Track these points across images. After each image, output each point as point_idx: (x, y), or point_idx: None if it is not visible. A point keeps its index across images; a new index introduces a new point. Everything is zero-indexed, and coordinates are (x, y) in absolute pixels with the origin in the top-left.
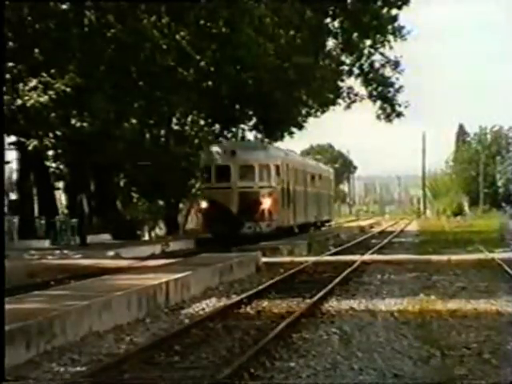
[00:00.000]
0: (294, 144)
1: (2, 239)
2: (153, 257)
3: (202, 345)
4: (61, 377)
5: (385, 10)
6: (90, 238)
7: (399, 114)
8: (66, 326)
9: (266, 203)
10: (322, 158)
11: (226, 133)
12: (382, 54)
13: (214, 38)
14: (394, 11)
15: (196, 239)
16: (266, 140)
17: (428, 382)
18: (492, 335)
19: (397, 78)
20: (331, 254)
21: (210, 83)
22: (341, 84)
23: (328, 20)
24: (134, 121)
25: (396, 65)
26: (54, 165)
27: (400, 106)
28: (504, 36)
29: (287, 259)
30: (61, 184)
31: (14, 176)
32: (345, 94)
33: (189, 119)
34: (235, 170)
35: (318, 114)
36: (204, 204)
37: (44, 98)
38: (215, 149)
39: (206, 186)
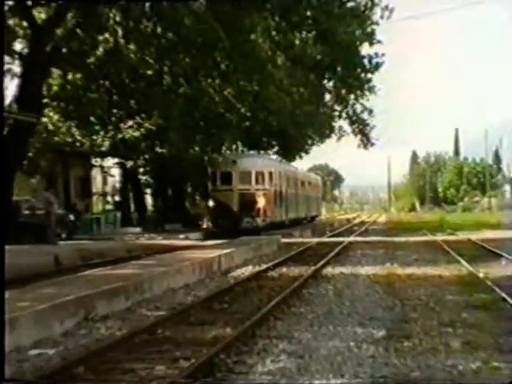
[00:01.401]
0: (303, 163)
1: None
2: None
3: (243, 297)
4: (148, 318)
5: (363, 75)
6: (167, 227)
7: (372, 144)
8: (152, 285)
9: (261, 202)
10: (320, 173)
11: None
12: (361, 104)
13: (250, 94)
14: (369, 75)
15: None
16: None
17: (390, 319)
18: (435, 291)
19: (371, 120)
20: (328, 237)
21: (247, 124)
22: (334, 124)
23: (325, 81)
24: (196, 148)
25: (370, 111)
26: (143, 177)
27: (372, 139)
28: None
29: (299, 240)
30: (148, 190)
31: (117, 185)
32: (336, 131)
33: (233, 147)
34: (236, 176)
35: (319, 144)
36: (211, 203)
37: (137, 133)
38: (220, 158)
39: (212, 188)
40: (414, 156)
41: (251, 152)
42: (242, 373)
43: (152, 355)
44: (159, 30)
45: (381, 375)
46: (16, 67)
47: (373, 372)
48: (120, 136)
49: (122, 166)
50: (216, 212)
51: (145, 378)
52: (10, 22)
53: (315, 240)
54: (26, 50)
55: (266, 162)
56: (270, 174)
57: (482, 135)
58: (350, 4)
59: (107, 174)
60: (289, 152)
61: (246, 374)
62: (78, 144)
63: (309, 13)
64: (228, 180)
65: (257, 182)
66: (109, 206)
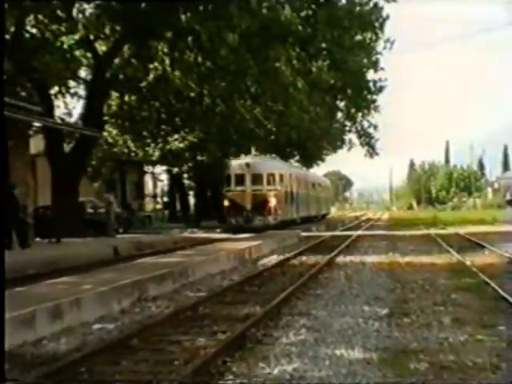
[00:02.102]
0: (319, 170)
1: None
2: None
3: (269, 281)
4: (191, 299)
5: (369, 96)
6: (206, 223)
7: (377, 154)
8: (194, 271)
9: (272, 202)
10: (333, 178)
11: None
12: (367, 120)
13: (275, 112)
14: (374, 96)
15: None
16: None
17: (392, 300)
18: (429, 276)
19: (375, 134)
20: (340, 231)
21: (273, 137)
22: (344, 137)
23: (337, 102)
24: (231, 157)
25: (375, 127)
26: (187, 182)
27: (377, 149)
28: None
29: (316, 234)
30: (191, 192)
31: (165, 188)
32: (347, 143)
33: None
34: (249, 178)
35: (332, 153)
36: (226, 203)
37: (182, 145)
38: (234, 162)
39: (227, 189)
40: (412, 164)
41: (264, 156)
42: (269, 344)
43: (194, 329)
44: (200, 59)
45: (384, 346)
46: (81, 91)
47: (377, 343)
48: (168, 147)
49: (169, 172)
50: (230, 211)
51: (188, 347)
52: (77, 52)
53: (329, 234)
54: (89, 77)
55: (277, 165)
56: (281, 175)
57: (468, 146)
58: (357, 38)
59: (157, 179)
60: (307, 160)
61: (272, 345)
62: (132, 154)
63: (324, 45)
64: (241, 182)
65: (268, 183)
66: (158, 206)
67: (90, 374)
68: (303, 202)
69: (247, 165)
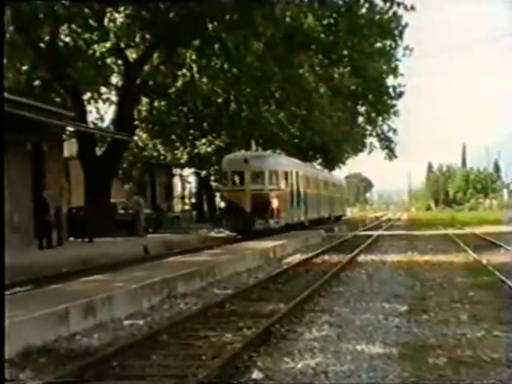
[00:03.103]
0: (341, 172)
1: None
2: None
3: (293, 279)
4: (218, 296)
5: (389, 101)
6: None
7: (396, 157)
8: (221, 269)
9: (275, 203)
10: (355, 180)
11: None
12: (388, 125)
13: (299, 117)
14: (394, 101)
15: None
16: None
17: (412, 297)
18: (447, 274)
19: (395, 138)
20: (361, 231)
21: (296, 141)
22: (365, 141)
23: (358, 107)
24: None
25: (394, 131)
26: (214, 184)
27: (396, 152)
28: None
29: (338, 234)
30: (218, 194)
31: (193, 190)
32: (368, 146)
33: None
34: (248, 175)
35: (353, 156)
36: (223, 204)
37: (209, 149)
38: (231, 156)
39: (225, 188)
40: (430, 166)
41: (265, 151)
42: (293, 339)
43: (221, 325)
44: (226, 66)
45: (404, 341)
46: (113, 96)
47: (397, 339)
48: (195, 151)
49: (197, 174)
50: (228, 213)
51: (216, 343)
52: (108, 60)
53: (351, 234)
54: (120, 83)
55: (281, 162)
56: (286, 173)
57: (484, 149)
58: (377, 45)
59: (185, 181)
60: (329, 163)
61: (296, 340)
62: (162, 157)
63: (345, 52)
64: (240, 180)
65: (270, 181)
66: (186, 207)
67: (122, 368)
68: (313, 202)
69: (246, 160)
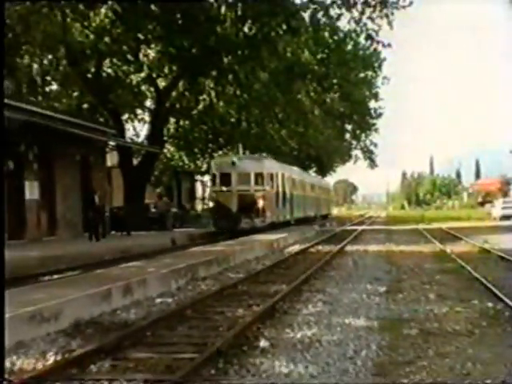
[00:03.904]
0: (332, 178)
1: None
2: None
3: (294, 265)
4: (232, 279)
5: (370, 121)
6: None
7: (376, 166)
8: (234, 257)
9: (260, 203)
10: (343, 185)
11: None
12: (370, 140)
13: (297, 134)
14: (374, 121)
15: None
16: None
17: (389, 280)
18: (418, 261)
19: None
20: (348, 226)
21: (295, 153)
22: (351, 153)
23: (346, 125)
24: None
25: (375, 145)
26: None
27: (376, 162)
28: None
29: (329, 228)
30: None
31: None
32: (353, 157)
33: None
34: (235, 177)
35: (342, 165)
36: (211, 204)
37: None
38: (220, 160)
39: (213, 189)
40: (404, 174)
41: (252, 155)
42: (293, 314)
43: (235, 302)
44: (238, 92)
45: (383, 316)
46: (146, 117)
47: (378, 314)
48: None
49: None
50: (216, 213)
51: (230, 317)
52: (143, 87)
53: (340, 228)
54: (152, 106)
55: (267, 165)
56: (271, 175)
57: (448, 160)
58: (361, 75)
59: (205, 186)
60: (322, 171)
61: (295, 315)
62: (186, 166)
63: (335, 81)
64: (227, 181)
65: (256, 183)
66: (206, 206)
67: (154, 337)
68: (299, 203)
69: (233, 163)
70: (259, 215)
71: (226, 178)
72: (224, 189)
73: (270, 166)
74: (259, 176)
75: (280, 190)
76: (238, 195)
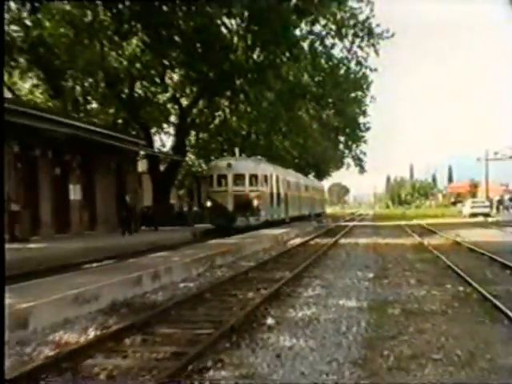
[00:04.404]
0: (328, 182)
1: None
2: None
3: (295, 255)
4: (244, 267)
5: (360, 134)
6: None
7: (365, 171)
8: (245, 248)
9: (254, 203)
10: (337, 188)
11: None
12: (360, 149)
13: (298, 144)
14: (363, 133)
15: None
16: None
17: (376, 268)
18: (400, 252)
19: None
20: (342, 222)
21: (296, 160)
22: (344, 160)
23: (340, 137)
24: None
25: (364, 153)
26: None
27: (365, 168)
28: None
29: (326, 224)
30: None
31: None
32: (346, 164)
33: None
34: (230, 178)
35: (336, 171)
36: (208, 203)
37: None
38: (217, 162)
39: (210, 190)
40: (388, 178)
41: (247, 157)
42: (295, 296)
43: (246, 287)
44: (248, 109)
45: (371, 298)
46: (171, 130)
47: (366, 296)
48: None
49: None
50: (213, 211)
51: (242, 299)
52: (168, 105)
53: (334, 224)
54: (176, 121)
55: (261, 167)
56: (265, 176)
57: (426, 166)
58: (352, 95)
59: None
60: (320, 176)
61: (297, 297)
62: (205, 172)
63: (330, 100)
64: (224, 182)
65: (250, 183)
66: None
67: (178, 315)
68: (294, 202)
69: (229, 165)
70: (254, 214)
71: (222, 179)
72: (220, 189)
73: (264, 168)
74: (254, 177)
75: (274, 190)
76: (234, 195)
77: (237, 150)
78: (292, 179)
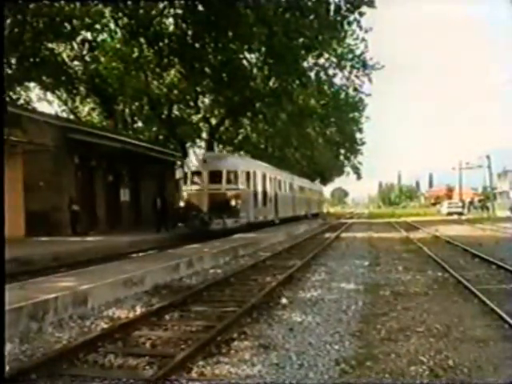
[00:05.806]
0: (331, 187)
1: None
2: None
3: (304, 247)
4: (258, 258)
5: (357, 147)
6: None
7: (361, 178)
8: (264, 241)
9: (232, 203)
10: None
11: None
12: (357, 160)
13: (307, 156)
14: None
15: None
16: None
17: (371, 257)
18: (392, 244)
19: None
20: (343, 219)
21: (305, 169)
22: (344, 169)
23: (340, 150)
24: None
25: (361, 163)
26: None
27: (361, 175)
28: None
29: (328, 221)
30: None
31: None
32: (346, 172)
33: None
34: (206, 175)
35: (337, 178)
36: (182, 204)
37: None
38: (192, 157)
39: (184, 189)
40: (380, 183)
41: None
42: (304, 281)
43: (264, 272)
44: (266, 127)
45: (366, 282)
46: (203, 144)
47: (362, 280)
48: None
49: None
50: (186, 213)
51: (261, 283)
52: (200, 124)
53: (336, 221)
54: (207, 137)
55: (241, 162)
56: (247, 174)
57: (411, 174)
58: (350, 115)
59: None
60: (324, 181)
61: (306, 281)
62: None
63: (332, 119)
64: (199, 180)
65: (228, 181)
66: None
67: (209, 296)
68: (286, 202)
69: (204, 161)
70: (232, 215)
71: (197, 177)
72: (194, 188)
73: (246, 164)
74: (233, 174)
75: (259, 189)
76: (209, 194)
77: (215, 145)
78: (285, 179)
